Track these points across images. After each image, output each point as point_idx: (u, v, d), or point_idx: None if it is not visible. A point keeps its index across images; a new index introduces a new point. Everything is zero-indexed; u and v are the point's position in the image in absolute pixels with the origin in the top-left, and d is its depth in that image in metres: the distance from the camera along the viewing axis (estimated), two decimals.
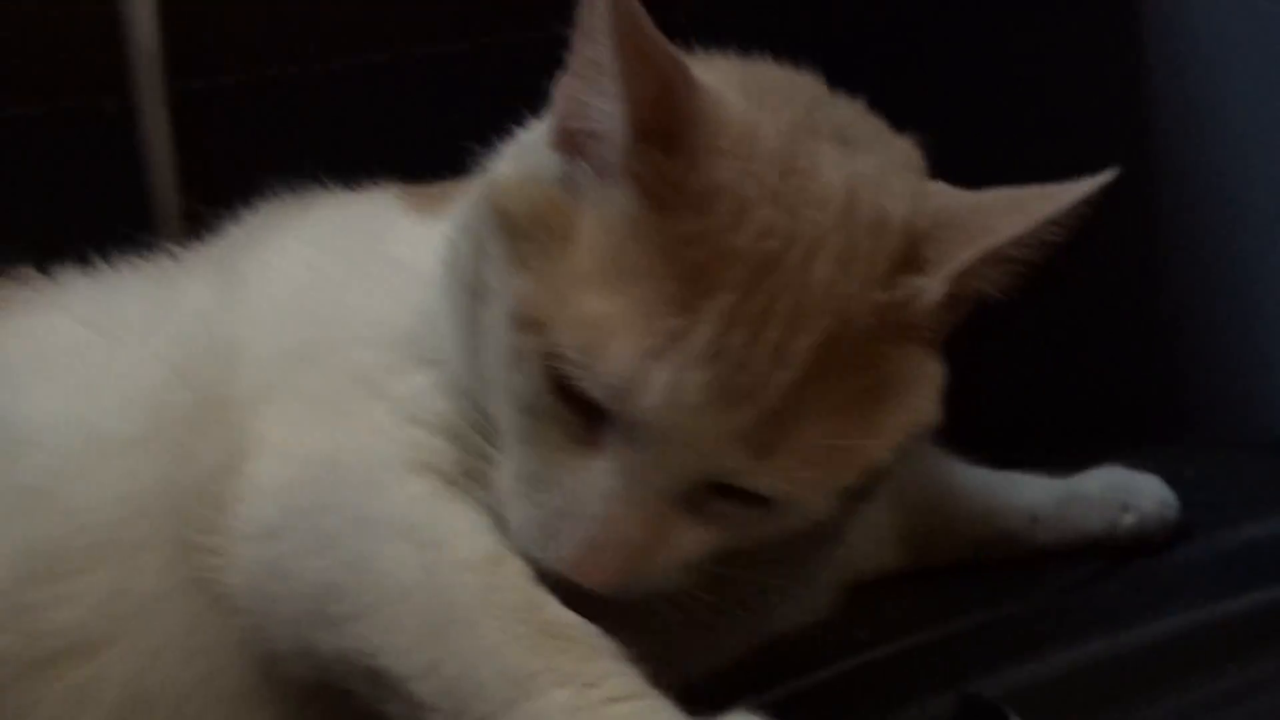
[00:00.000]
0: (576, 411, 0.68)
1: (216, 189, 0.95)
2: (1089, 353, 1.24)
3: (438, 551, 0.71)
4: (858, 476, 0.69)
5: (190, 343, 0.83)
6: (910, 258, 0.68)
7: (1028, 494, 1.00)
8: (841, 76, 0.76)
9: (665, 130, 0.66)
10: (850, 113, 0.75)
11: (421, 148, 0.85)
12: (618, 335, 0.65)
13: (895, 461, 0.70)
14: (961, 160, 0.71)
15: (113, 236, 0.92)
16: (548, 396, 0.68)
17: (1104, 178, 0.68)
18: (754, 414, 0.65)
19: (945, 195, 0.72)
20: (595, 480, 0.68)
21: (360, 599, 0.70)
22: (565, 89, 0.70)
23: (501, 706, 0.66)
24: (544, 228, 0.68)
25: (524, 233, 0.69)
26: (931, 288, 0.68)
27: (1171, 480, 0.99)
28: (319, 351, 0.81)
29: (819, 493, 0.68)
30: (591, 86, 0.67)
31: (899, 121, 0.76)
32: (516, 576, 0.70)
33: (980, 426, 0.97)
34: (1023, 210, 0.68)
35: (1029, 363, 1.22)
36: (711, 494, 0.68)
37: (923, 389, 0.70)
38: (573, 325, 0.66)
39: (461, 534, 0.72)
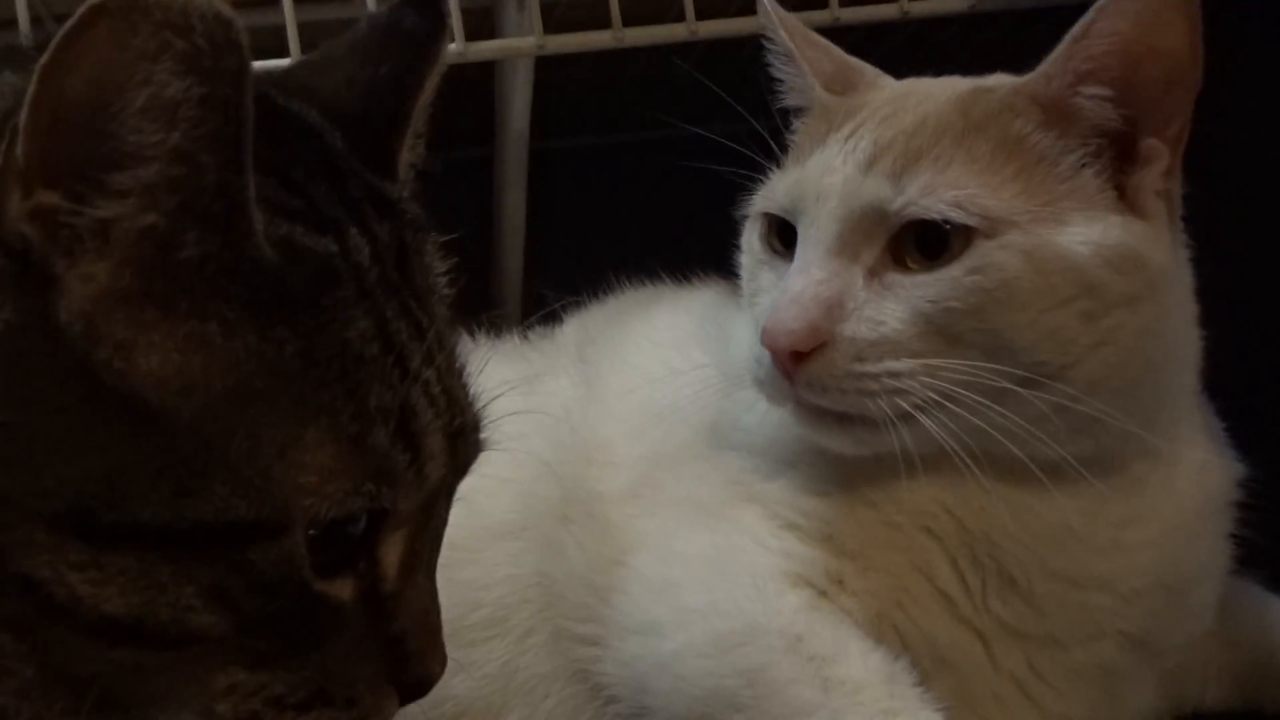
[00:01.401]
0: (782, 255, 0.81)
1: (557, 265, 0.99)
2: None
3: (830, 667, 0.73)
4: (1037, 250, 0.75)
5: (556, 438, 0.87)
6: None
7: None
8: None
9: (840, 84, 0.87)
10: None
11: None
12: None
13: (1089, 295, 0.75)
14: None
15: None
16: (765, 253, 0.83)
17: None
18: (884, 158, 0.78)
19: None
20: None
21: (757, 709, 0.72)
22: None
23: None
24: None
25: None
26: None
27: None
28: (690, 454, 0.84)
29: (968, 209, 0.75)
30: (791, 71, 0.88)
31: None
32: (911, 696, 0.72)
33: None
34: None
35: None
36: (886, 264, 0.76)
37: (1102, 217, 0.77)
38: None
39: (851, 652, 0.74)
